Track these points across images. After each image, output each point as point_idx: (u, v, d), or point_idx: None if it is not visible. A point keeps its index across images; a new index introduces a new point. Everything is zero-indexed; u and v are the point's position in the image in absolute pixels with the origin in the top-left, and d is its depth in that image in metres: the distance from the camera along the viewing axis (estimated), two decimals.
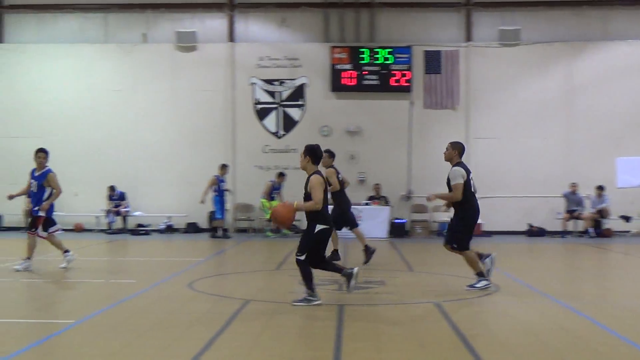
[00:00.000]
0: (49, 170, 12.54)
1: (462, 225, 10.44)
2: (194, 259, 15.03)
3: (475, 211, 10.48)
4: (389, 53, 22.11)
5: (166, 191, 22.41)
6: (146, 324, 7.98)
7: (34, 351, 6.77)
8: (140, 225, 22.13)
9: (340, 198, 13.80)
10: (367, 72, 22.16)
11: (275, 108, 22.60)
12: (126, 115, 22.65)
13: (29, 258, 12.41)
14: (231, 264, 14.47)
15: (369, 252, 13.43)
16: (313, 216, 9.08)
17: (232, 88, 22.60)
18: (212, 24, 22.88)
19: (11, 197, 12.83)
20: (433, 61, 22.19)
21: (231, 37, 22.75)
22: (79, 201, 22.33)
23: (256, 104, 22.61)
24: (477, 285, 10.41)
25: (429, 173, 21.99)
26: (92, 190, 22.23)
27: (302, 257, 9.05)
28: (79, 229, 22.22)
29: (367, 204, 21.13)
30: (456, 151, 10.58)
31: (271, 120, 22.60)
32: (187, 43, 22.56)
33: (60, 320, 8.14)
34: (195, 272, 12.46)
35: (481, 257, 10.58)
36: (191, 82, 22.64)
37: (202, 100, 22.62)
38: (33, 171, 12.62)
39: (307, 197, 9.15)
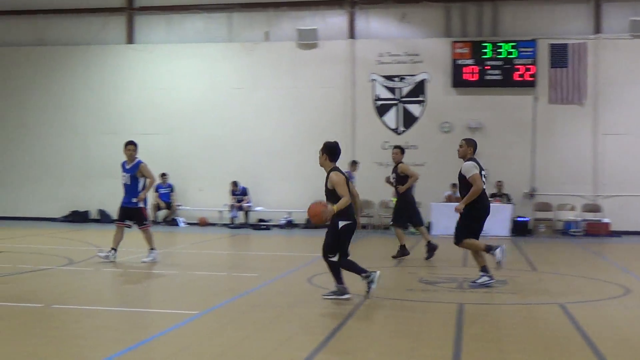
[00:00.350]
0: (140, 161, 12.80)
1: (468, 219, 10.37)
2: (314, 254, 15.14)
3: (484, 207, 10.48)
4: (513, 47, 21.52)
5: (287, 187, 22.72)
6: (267, 317, 8.10)
7: (160, 340, 7.01)
8: (261, 220, 22.56)
9: (405, 194, 13.88)
10: (489, 67, 21.67)
11: (395, 104, 22.48)
12: (248, 113, 23.11)
13: (152, 249, 12.83)
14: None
15: (431, 247, 13.66)
16: (337, 213, 8.92)
17: (352, 85, 22.65)
18: (333, 21, 23.00)
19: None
20: (559, 54, 21.43)
21: (352, 34, 22.80)
22: (203, 196, 23.02)
23: (376, 100, 22.57)
24: (479, 282, 10.37)
25: (554, 170, 21.35)
26: (216, 186, 22.84)
27: (335, 258, 9.10)
28: (203, 223, 22.88)
29: None
30: (471, 148, 10.71)
31: (391, 117, 22.50)
32: (308, 40, 22.78)
33: (185, 310, 8.37)
34: (314, 267, 12.54)
35: (490, 249, 10.38)
36: (311, 79, 22.86)
37: (322, 97, 22.78)
38: (124, 164, 12.89)
39: (328, 194, 9.09)
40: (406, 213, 14.01)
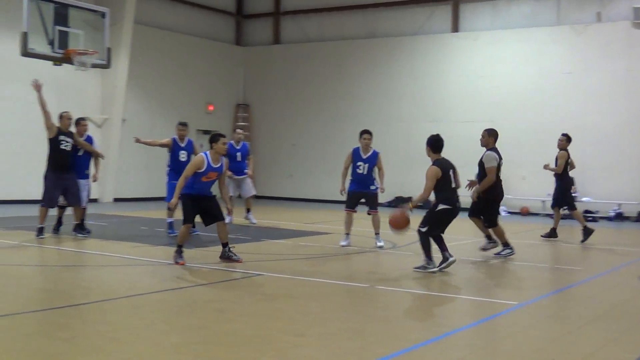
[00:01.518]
0: (377, 152, 12.66)
1: (490, 204, 11.52)
2: None
3: (499, 193, 11.65)
4: None
5: (617, 177, 21.32)
6: (591, 313, 7.66)
7: (477, 328, 6.96)
8: (587, 212, 21.41)
9: (562, 180, 14.69)
10: None
11: None
12: (576, 98, 22.04)
13: (347, 234, 12.67)
14: None
15: (587, 232, 14.26)
16: (438, 197, 9.91)
17: None
18: None
19: (343, 190, 13.05)
20: None
21: None
22: (525, 185, 22.48)
23: None
24: (503, 253, 11.62)
25: None
26: (539, 174, 22.11)
27: (424, 229, 9.92)
28: (525, 213, 22.39)
29: None
30: (492, 138, 11.56)
31: None
32: None
33: (503, 300, 8.24)
34: None
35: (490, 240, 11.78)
36: None
37: None
38: (358, 151, 12.64)
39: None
40: (565, 199, 14.86)
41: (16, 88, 20.47)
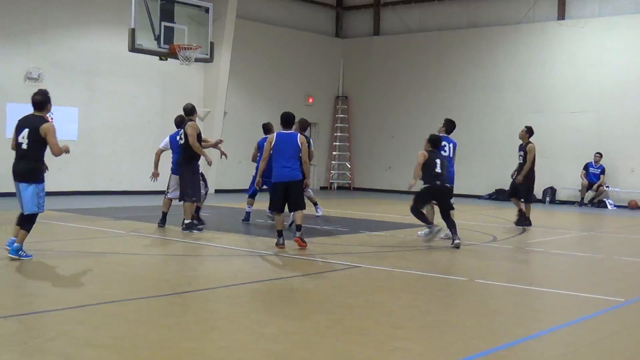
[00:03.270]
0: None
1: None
2: None
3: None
4: None
5: None
6: None
7: (583, 324, 6.75)
8: None
9: (529, 172, 14.87)
10: None
11: None
12: None
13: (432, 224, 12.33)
14: None
15: (521, 215, 14.90)
16: (424, 178, 11.71)
17: None
18: None
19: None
20: None
21: None
22: (634, 177, 21.65)
23: None
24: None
25: None
26: None
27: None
28: (633, 206, 21.55)
29: None
30: (299, 125, 12.43)
31: None
32: None
33: (610, 297, 7.97)
34: None
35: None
36: None
37: None
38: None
39: None
40: (528, 191, 14.95)
41: (124, 83, 21.24)
